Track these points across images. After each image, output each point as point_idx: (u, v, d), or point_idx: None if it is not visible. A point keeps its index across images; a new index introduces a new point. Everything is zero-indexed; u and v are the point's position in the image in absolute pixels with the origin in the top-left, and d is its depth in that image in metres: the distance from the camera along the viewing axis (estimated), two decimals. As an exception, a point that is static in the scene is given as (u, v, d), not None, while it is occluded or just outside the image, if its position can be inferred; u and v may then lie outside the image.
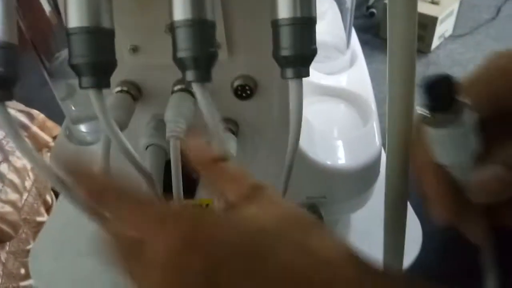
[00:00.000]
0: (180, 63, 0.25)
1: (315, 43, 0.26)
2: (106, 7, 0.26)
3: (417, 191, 0.20)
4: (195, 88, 0.25)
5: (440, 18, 1.97)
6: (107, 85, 0.27)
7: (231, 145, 0.39)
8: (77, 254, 0.57)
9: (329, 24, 0.64)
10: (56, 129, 1.29)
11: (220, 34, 0.34)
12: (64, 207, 0.62)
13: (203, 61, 0.25)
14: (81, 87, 0.26)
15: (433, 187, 0.19)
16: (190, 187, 0.48)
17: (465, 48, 2.10)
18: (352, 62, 0.62)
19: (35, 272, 0.57)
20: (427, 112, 0.18)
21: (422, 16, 2.01)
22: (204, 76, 0.25)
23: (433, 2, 2.03)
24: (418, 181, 0.20)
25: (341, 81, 0.60)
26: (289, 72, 0.26)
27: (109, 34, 0.26)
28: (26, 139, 0.99)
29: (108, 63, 0.26)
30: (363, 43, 0.66)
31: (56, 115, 1.27)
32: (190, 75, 0.25)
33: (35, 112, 1.25)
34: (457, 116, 0.17)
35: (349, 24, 0.61)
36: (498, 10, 2.29)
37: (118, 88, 0.37)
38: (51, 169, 0.28)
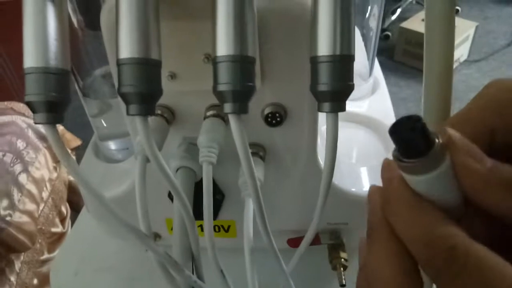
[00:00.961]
0: (220, 96, 0.26)
1: (352, 79, 0.27)
2: (155, 39, 0.27)
3: None
4: (231, 119, 0.27)
5: (455, 43, 1.99)
6: (152, 113, 0.28)
7: (259, 170, 0.40)
8: (97, 270, 0.58)
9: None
10: (75, 141, 1.31)
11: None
12: (85, 221, 0.63)
13: (241, 95, 0.26)
14: (128, 114, 0.27)
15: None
16: (213, 209, 0.49)
17: (480, 74, 2.11)
18: (374, 89, 0.64)
19: (55, 286, 0.58)
20: (402, 158, 0.17)
21: (438, 41, 2.02)
22: (241, 109, 0.26)
23: (448, 27, 2.05)
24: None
25: (363, 107, 0.61)
26: (326, 106, 0.27)
27: (157, 65, 0.27)
28: (46, 150, 1.01)
29: (154, 93, 0.27)
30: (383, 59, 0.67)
31: (75, 128, 1.29)
32: (228, 107, 0.26)
33: (55, 124, 1.28)
34: (435, 158, 0.16)
35: (373, 52, 0.62)
36: (514, 37, 2.30)
37: (156, 112, 0.39)
38: (96, 191, 0.29)
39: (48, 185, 1.17)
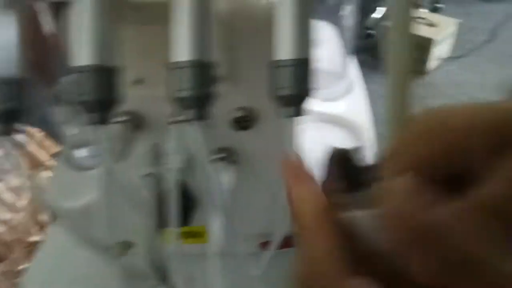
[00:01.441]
0: (179, 102, 0.26)
1: (312, 84, 0.27)
2: (113, 45, 0.26)
3: None
4: (191, 126, 0.26)
5: (437, 40, 2.00)
6: (108, 121, 0.27)
7: (230, 176, 0.39)
8: (69, 282, 0.56)
9: (329, 51, 0.65)
10: (55, 148, 1.29)
11: (222, 67, 0.34)
12: (55, 235, 0.62)
13: (200, 101, 0.26)
14: (84, 123, 0.27)
15: None
16: (185, 215, 0.48)
17: (462, 70, 2.13)
18: (349, 90, 0.63)
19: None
20: (338, 194, 0.16)
21: (420, 38, 2.03)
22: (201, 115, 0.26)
23: (430, 25, 2.07)
24: None
25: (338, 108, 0.60)
26: (286, 111, 0.27)
27: (116, 71, 0.27)
28: (22, 158, 0.99)
29: (111, 101, 0.27)
30: (360, 63, 0.67)
31: (56, 134, 1.27)
32: (188, 114, 0.26)
33: (33, 130, 1.26)
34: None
35: (347, 53, 0.62)
36: (495, 33, 2.32)
37: (120, 118, 0.38)
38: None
39: (25, 193, 1.15)
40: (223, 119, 0.39)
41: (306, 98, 0.27)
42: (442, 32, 2.03)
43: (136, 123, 0.38)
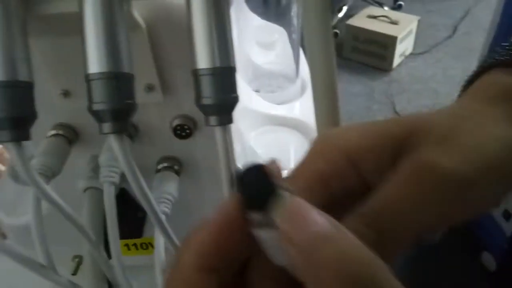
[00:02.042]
0: (96, 115, 0.25)
1: (235, 91, 0.26)
2: (22, 58, 0.25)
3: None
4: (111, 140, 0.25)
5: (400, 37, 2.04)
6: (27, 138, 0.26)
7: (172, 185, 0.39)
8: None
9: (279, 54, 0.65)
10: (15, 160, 1.25)
11: (152, 76, 0.34)
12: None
13: (119, 113, 0.25)
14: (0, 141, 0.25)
15: None
16: (136, 226, 0.47)
17: (426, 66, 2.18)
18: (302, 91, 0.63)
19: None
20: (246, 210, 0.15)
21: (383, 36, 2.07)
22: (121, 128, 0.25)
23: (392, 22, 2.11)
24: None
25: (291, 110, 0.60)
26: (213, 120, 0.27)
27: (26, 86, 0.26)
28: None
29: (26, 117, 0.26)
30: None
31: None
32: (106, 127, 0.25)
33: (-9, 143, 1.21)
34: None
35: (297, 53, 0.62)
36: (455, 29, 2.39)
37: (53, 132, 0.37)
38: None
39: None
40: (164, 128, 0.38)
41: (231, 107, 0.27)
42: (404, 29, 2.07)
43: (70, 136, 0.37)
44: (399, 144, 0.17)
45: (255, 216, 0.15)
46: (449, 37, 2.32)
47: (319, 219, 0.14)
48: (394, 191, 0.16)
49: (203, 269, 0.15)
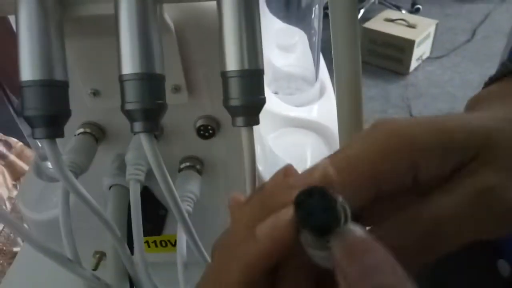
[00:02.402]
0: (128, 115, 0.26)
1: (263, 93, 0.27)
2: (58, 58, 0.26)
3: None
4: (142, 138, 0.26)
5: (417, 41, 2.03)
6: (61, 135, 0.27)
7: (195, 184, 0.39)
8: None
9: (299, 57, 0.66)
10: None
11: (179, 77, 0.34)
12: (27, 253, 0.61)
13: (151, 113, 0.25)
14: (34, 137, 0.26)
15: None
16: (157, 224, 0.48)
17: (443, 70, 2.16)
18: (321, 94, 0.64)
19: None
20: (307, 233, 0.14)
21: (400, 39, 2.06)
22: (152, 127, 0.26)
23: (410, 26, 2.09)
24: None
25: (310, 112, 0.61)
26: (239, 120, 0.27)
27: (62, 85, 0.27)
28: (4, 168, 0.97)
29: (61, 115, 0.26)
30: (330, 62, 0.68)
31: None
32: (137, 126, 0.25)
33: (13, 140, 1.24)
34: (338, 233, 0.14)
35: (317, 56, 0.63)
36: (473, 33, 2.36)
37: (81, 130, 0.38)
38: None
39: (7, 203, 1.13)
40: (188, 128, 0.39)
41: (258, 108, 0.27)
42: (421, 33, 2.06)
43: (98, 134, 0.38)
44: (467, 157, 0.17)
45: (311, 238, 0.15)
46: (468, 41, 2.30)
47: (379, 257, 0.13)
48: (454, 205, 0.16)
49: (248, 284, 0.15)
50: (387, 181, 0.17)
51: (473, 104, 0.22)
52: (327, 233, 0.14)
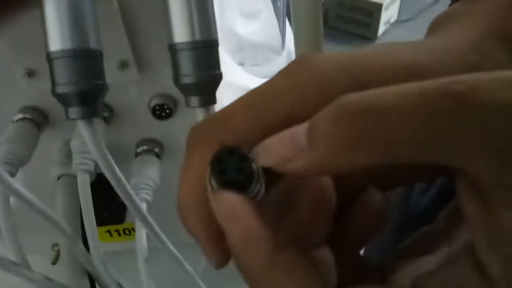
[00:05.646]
0: (61, 99, 0.22)
1: (218, 68, 0.24)
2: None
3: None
4: (80, 126, 0.22)
5: (384, 4, 2.00)
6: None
7: (154, 169, 0.36)
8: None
9: (263, 24, 0.62)
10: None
11: (125, 51, 0.31)
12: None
13: (87, 96, 0.22)
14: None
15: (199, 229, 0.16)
16: (118, 212, 0.45)
17: (411, 33, 2.15)
18: (289, 62, 0.61)
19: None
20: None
21: (367, 4, 2.03)
22: (90, 113, 0.22)
23: (377, -11, 2.06)
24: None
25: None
26: (194, 101, 0.24)
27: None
28: None
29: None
30: None
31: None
32: (73, 112, 0.22)
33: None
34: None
35: (283, 23, 0.59)
36: (440, -5, 2.35)
37: (20, 116, 0.33)
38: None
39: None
40: (142, 109, 0.35)
41: (213, 86, 0.24)
42: (388, -4, 2.03)
43: (39, 120, 0.33)
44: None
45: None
46: (435, 3, 2.29)
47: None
48: None
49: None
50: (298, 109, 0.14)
51: (435, 25, 0.19)
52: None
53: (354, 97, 0.12)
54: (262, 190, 0.15)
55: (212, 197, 0.14)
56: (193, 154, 0.16)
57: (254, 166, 0.14)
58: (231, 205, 0.14)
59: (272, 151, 0.14)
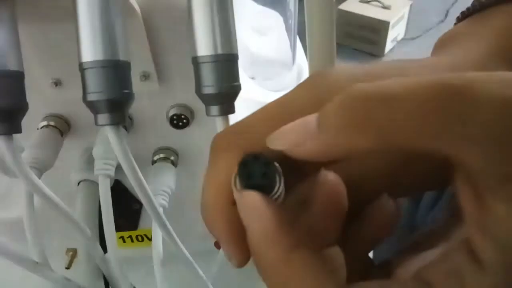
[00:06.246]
0: (91, 106, 0.23)
1: (237, 80, 0.25)
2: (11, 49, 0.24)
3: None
4: (108, 132, 0.24)
5: (392, 22, 2.03)
6: (18, 130, 0.25)
7: (170, 176, 0.37)
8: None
9: (274, 40, 0.64)
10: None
11: (148, 64, 0.32)
12: None
13: (116, 104, 0.23)
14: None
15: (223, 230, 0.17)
16: (132, 218, 0.46)
17: (418, 51, 2.17)
18: (299, 78, 0.62)
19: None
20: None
21: (375, 21, 2.05)
22: (118, 120, 0.24)
23: (384, 7, 2.09)
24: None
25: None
26: (214, 110, 0.25)
27: (18, 77, 0.24)
28: None
29: (17, 109, 0.24)
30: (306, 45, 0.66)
31: None
32: (102, 118, 0.23)
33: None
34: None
35: (294, 40, 0.61)
36: (447, 13, 2.38)
37: (44, 123, 0.35)
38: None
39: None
40: (160, 118, 0.37)
41: (233, 96, 0.25)
42: (396, 14, 2.06)
43: (62, 127, 0.35)
44: None
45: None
46: (441, 21, 2.31)
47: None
48: None
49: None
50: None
51: (441, 44, 0.21)
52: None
53: (359, 85, 0.13)
54: (283, 194, 0.16)
55: (238, 195, 0.15)
56: (218, 160, 0.17)
57: (277, 172, 0.15)
58: (255, 202, 0.15)
59: (286, 136, 0.15)
